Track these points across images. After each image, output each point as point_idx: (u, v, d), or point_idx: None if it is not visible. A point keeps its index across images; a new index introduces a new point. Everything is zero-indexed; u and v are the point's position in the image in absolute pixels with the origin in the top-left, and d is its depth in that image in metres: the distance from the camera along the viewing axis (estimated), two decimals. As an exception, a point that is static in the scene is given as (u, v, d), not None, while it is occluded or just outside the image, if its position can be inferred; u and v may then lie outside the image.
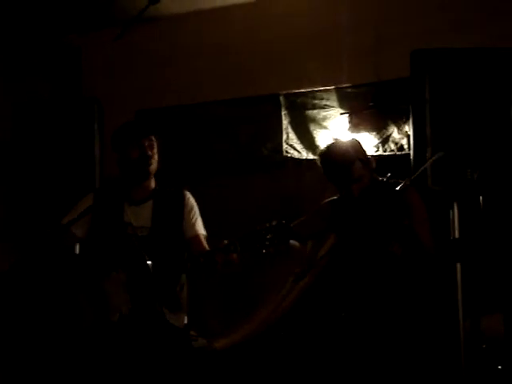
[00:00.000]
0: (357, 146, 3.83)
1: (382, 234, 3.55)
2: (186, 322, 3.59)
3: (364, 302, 3.54)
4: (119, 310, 3.32)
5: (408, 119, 4.48)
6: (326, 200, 3.97)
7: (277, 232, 3.10)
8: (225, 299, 3.99)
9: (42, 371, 3.76)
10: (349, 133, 5.09)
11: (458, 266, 3.84)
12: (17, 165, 4.69)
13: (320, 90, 5.25)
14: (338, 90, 5.20)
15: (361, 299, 3.55)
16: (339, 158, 3.75)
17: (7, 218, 4.91)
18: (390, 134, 5.05)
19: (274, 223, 3.13)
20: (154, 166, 3.58)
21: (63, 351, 3.55)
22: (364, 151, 3.84)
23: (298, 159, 5.29)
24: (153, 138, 3.58)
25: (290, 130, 5.37)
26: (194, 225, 3.59)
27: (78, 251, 3.68)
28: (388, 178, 3.67)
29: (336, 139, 4.11)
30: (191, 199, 3.66)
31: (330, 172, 3.79)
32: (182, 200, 3.61)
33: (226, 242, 3.20)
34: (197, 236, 3.58)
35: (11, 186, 4.71)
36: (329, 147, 3.91)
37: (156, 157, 3.59)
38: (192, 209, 3.62)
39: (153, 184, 3.64)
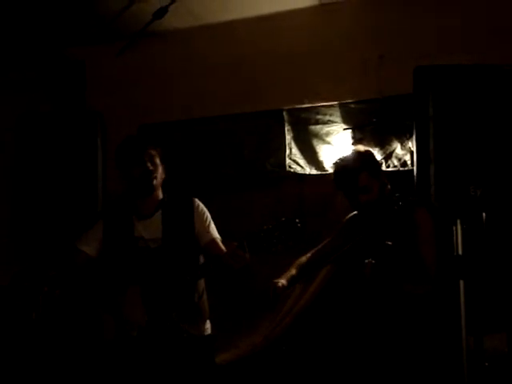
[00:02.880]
0: (368, 157, 3.85)
1: (363, 252, 3.56)
2: (209, 331, 3.59)
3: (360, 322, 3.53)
4: (138, 324, 3.33)
5: (411, 135, 4.47)
6: (348, 216, 3.96)
7: (284, 229, 3.09)
8: (226, 313, 3.98)
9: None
10: (352, 148, 5.08)
11: (462, 283, 3.82)
12: (19, 178, 4.69)
13: (323, 106, 5.25)
14: (342, 106, 5.20)
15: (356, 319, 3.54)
16: (347, 167, 3.76)
17: (10, 231, 4.90)
18: (394, 150, 5.05)
19: (281, 220, 3.11)
20: (157, 179, 3.57)
21: (82, 367, 3.56)
22: (376, 163, 3.84)
23: (301, 174, 5.29)
24: (152, 152, 3.58)
25: (293, 145, 5.36)
26: (207, 230, 3.59)
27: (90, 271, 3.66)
28: (400, 197, 3.65)
29: (353, 150, 4.12)
30: (201, 205, 3.65)
31: (339, 180, 3.80)
32: (192, 207, 3.61)
33: (234, 243, 3.20)
34: (213, 240, 3.57)
35: (14, 199, 4.71)
36: (342, 157, 3.92)
37: (160, 169, 3.59)
38: (203, 214, 3.62)
39: (160, 195, 3.63)
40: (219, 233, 3.67)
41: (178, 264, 3.38)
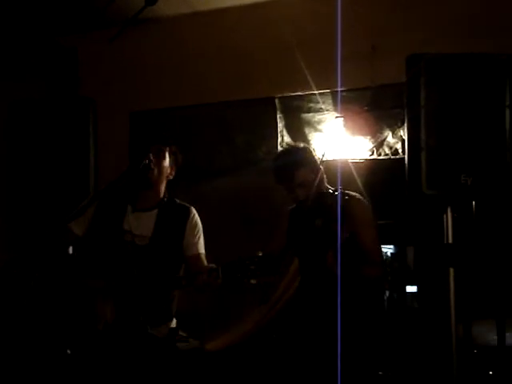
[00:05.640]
0: (306, 153, 3.86)
1: (321, 248, 3.58)
2: (173, 325, 3.57)
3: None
4: (104, 319, 3.31)
5: (403, 124, 4.50)
6: (289, 208, 3.98)
7: (261, 264, 3.04)
8: (216, 301, 3.99)
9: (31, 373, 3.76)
10: (344, 136, 5.10)
11: (451, 270, 3.84)
12: (12, 164, 4.69)
13: (315, 94, 5.25)
14: (334, 94, 5.21)
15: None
16: (286, 162, 3.80)
17: (3, 218, 4.90)
18: (385, 138, 5.07)
19: (259, 254, 3.07)
20: (155, 174, 3.52)
21: (50, 353, 3.55)
22: (314, 159, 3.85)
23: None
24: (162, 147, 3.55)
25: (285, 132, 5.37)
26: (196, 243, 3.55)
27: (71, 251, 3.65)
28: (335, 190, 3.69)
29: (288, 145, 4.19)
30: (196, 216, 3.61)
31: (277, 175, 3.83)
32: (187, 216, 3.57)
33: (211, 266, 3.20)
34: (198, 255, 3.55)
35: (7, 185, 4.71)
36: (280, 152, 4.02)
37: (165, 163, 3.56)
38: (196, 226, 3.59)
39: (161, 193, 3.60)
40: (211, 220, 3.67)
41: (160, 268, 3.37)
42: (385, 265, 3.99)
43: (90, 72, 5.75)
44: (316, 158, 3.86)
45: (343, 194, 3.64)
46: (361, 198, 3.77)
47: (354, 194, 3.75)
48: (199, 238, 3.59)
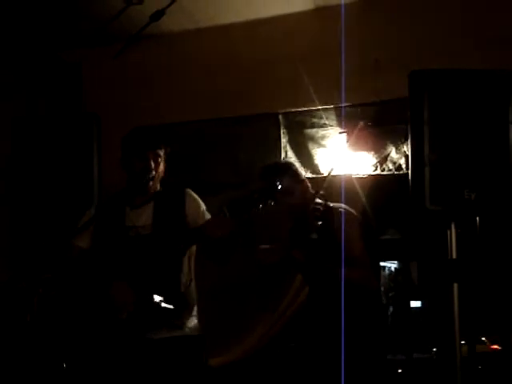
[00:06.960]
0: (289, 165, 3.96)
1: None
2: (194, 322, 3.54)
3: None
4: (126, 309, 3.33)
5: (406, 139, 4.50)
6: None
7: (262, 190, 3.17)
8: (221, 315, 3.98)
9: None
10: (347, 151, 5.10)
11: (455, 286, 3.83)
12: (16, 179, 4.70)
13: (319, 109, 5.26)
14: (337, 109, 5.21)
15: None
16: (268, 170, 3.85)
17: (8, 233, 4.91)
18: (389, 154, 5.07)
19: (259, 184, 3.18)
20: (155, 179, 3.58)
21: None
22: (297, 172, 3.90)
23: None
24: (158, 151, 3.59)
25: (288, 148, 5.38)
26: (203, 215, 3.57)
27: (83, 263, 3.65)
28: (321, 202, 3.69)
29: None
30: (193, 194, 3.64)
31: (263, 183, 3.85)
32: (183, 196, 3.60)
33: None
34: None
35: (12, 200, 4.72)
36: (265, 165, 4.06)
37: (161, 167, 3.60)
38: (195, 201, 3.62)
39: (156, 188, 3.64)
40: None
41: (167, 250, 3.38)
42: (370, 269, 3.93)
43: (94, 88, 5.76)
44: (299, 171, 3.91)
45: (327, 208, 3.64)
46: (345, 210, 3.73)
47: (337, 205, 3.72)
48: (203, 211, 3.60)
